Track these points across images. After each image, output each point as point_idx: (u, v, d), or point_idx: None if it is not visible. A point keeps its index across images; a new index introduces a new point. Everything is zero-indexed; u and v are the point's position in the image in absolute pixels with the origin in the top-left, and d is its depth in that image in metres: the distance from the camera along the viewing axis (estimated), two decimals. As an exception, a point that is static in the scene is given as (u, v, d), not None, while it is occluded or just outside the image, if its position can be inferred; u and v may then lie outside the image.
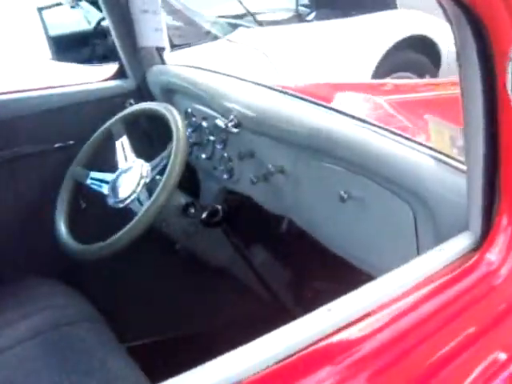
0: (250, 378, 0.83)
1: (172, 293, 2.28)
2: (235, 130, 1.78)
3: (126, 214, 1.85)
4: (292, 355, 0.86)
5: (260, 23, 4.72)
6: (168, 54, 2.28)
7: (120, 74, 2.27)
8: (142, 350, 1.75)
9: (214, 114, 1.94)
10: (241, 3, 4.56)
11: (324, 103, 1.70)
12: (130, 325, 1.82)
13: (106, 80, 2.28)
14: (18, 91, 2.22)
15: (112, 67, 2.35)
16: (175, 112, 1.83)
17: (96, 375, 1.58)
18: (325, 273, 1.87)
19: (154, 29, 2.09)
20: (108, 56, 4.64)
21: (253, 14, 4.71)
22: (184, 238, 2.03)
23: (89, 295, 1.88)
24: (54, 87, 2.21)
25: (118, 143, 1.98)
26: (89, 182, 1.98)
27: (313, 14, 5.25)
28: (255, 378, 0.83)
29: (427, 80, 4.81)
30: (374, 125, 1.50)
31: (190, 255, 2.13)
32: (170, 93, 2.16)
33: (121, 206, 1.87)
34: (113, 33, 2.20)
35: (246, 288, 2.20)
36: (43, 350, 1.65)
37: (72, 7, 4.94)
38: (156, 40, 2.13)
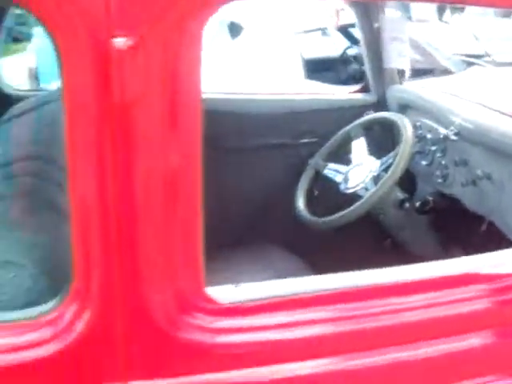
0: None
1: None
2: (454, 138, 2.15)
3: (352, 198, 2.29)
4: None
5: (496, 63, 4.94)
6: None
7: (364, 88, 2.73)
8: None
9: (438, 126, 2.31)
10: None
11: None
12: None
13: (352, 93, 2.76)
14: (282, 93, 2.79)
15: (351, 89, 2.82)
16: (406, 121, 2.25)
17: None
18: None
19: (398, 54, 2.51)
20: (349, 81, 5.18)
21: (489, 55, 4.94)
22: (396, 228, 2.43)
23: (306, 262, 2.33)
24: (310, 93, 2.75)
25: (354, 143, 2.43)
26: (326, 171, 2.45)
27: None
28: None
29: None
30: None
31: (397, 246, 2.51)
32: (403, 108, 2.57)
33: (349, 191, 2.31)
34: (364, 54, 2.67)
35: None
36: None
37: (324, 34, 5.57)
38: (399, 63, 2.55)
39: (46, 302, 1.10)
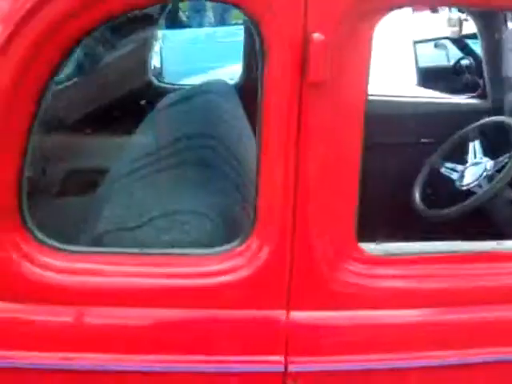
0: None
1: None
2: None
3: (466, 195, 2.49)
4: None
5: None
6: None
7: (480, 95, 2.93)
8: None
9: None
10: None
11: None
12: None
13: (469, 98, 2.97)
14: (406, 96, 3.04)
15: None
16: None
17: None
18: None
19: (518, 63, 2.71)
20: (461, 90, 5.29)
21: None
22: (506, 226, 2.60)
23: None
24: (431, 98, 2.98)
25: (471, 144, 2.64)
26: (443, 169, 2.67)
27: None
28: None
29: None
30: None
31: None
32: (520, 115, 2.75)
33: (464, 188, 2.53)
34: (484, 62, 2.87)
35: None
36: None
37: (436, 46, 5.70)
38: (519, 72, 2.75)
39: (221, 244, 1.40)
